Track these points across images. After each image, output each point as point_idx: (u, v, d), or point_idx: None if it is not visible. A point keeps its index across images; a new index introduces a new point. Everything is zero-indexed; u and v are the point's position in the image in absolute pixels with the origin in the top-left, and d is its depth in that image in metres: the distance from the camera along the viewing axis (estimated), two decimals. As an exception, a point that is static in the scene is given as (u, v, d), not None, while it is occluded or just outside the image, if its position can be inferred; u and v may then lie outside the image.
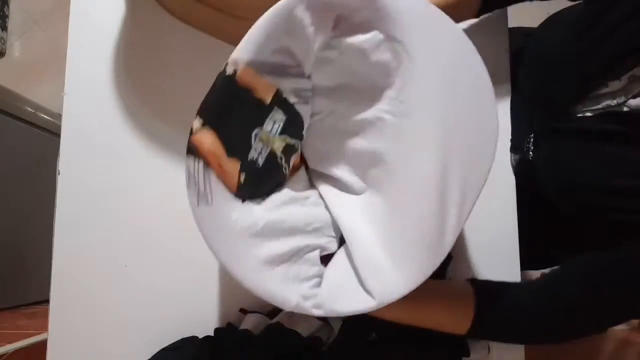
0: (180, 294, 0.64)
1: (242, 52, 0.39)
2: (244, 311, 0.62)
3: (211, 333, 0.61)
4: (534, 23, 0.67)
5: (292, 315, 0.57)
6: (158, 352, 0.59)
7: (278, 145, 0.44)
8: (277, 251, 0.41)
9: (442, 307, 0.47)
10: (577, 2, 0.54)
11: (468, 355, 0.58)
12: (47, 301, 0.65)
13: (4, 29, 1.69)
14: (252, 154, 0.42)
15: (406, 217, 0.40)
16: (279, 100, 0.42)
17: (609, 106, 0.47)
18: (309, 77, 0.44)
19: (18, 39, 1.73)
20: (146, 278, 0.64)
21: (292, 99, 0.43)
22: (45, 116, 1.31)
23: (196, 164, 0.39)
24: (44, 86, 1.64)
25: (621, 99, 0.46)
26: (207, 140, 0.40)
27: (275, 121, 0.43)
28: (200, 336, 0.61)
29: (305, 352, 0.55)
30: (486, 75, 0.37)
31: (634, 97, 0.45)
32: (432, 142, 0.38)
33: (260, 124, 0.42)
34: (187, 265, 0.65)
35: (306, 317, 0.57)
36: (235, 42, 0.65)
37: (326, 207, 0.49)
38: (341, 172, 0.49)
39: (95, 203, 0.65)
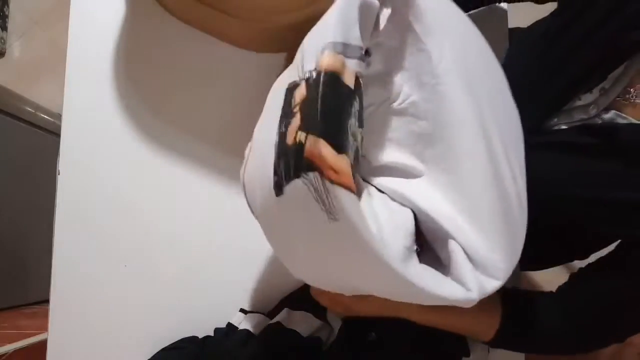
0: (180, 294, 0.64)
1: (335, 35, 0.35)
2: (244, 311, 0.62)
3: (211, 333, 0.61)
4: (534, 23, 0.67)
5: (291, 315, 0.57)
6: (158, 352, 0.59)
7: (359, 139, 0.39)
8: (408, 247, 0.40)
9: (468, 312, 0.46)
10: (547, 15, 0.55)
11: (468, 355, 0.58)
12: (47, 301, 0.65)
13: (4, 29, 1.69)
14: (351, 148, 0.36)
15: (472, 192, 0.39)
16: (357, 87, 0.37)
17: (583, 119, 0.47)
18: (368, 62, 0.43)
19: (18, 39, 1.73)
20: (146, 278, 0.64)
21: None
22: (45, 116, 1.31)
23: (316, 179, 0.33)
24: (44, 86, 1.64)
25: (593, 112, 0.46)
26: (322, 149, 0.33)
27: (356, 111, 0.37)
28: (200, 336, 0.61)
29: (305, 352, 0.55)
30: (488, 45, 0.41)
31: (606, 109, 0.45)
32: (466, 112, 0.39)
33: (349, 113, 0.36)
34: (187, 265, 0.65)
35: (306, 317, 0.57)
36: (235, 42, 0.66)
37: (392, 198, 0.46)
38: (401, 157, 0.46)
39: (95, 203, 0.65)
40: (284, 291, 0.63)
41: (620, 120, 0.44)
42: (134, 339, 0.64)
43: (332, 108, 0.34)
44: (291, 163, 0.34)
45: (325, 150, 0.32)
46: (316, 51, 0.36)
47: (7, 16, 1.70)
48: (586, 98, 0.47)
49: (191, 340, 0.60)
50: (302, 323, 0.56)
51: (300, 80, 0.36)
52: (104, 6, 0.68)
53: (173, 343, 0.60)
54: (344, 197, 0.32)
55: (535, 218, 0.38)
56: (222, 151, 0.66)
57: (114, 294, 0.64)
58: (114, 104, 0.67)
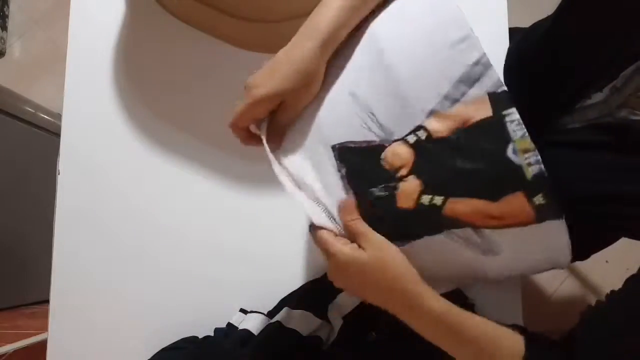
0: (180, 294, 0.64)
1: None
2: (244, 311, 0.62)
3: (211, 333, 0.61)
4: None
5: (292, 314, 0.57)
6: (158, 352, 0.59)
7: None
8: None
9: (486, 349, 0.42)
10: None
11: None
12: (47, 301, 0.65)
13: (4, 29, 1.69)
14: None
15: None
16: None
17: (595, 117, 0.47)
18: None
19: (18, 39, 1.73)
20: (146, 278, 0.64)
21: None
22: (45, 116, 1.31)
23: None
24: (44, 86, 1.64)
25: (606, 110, 0.46)
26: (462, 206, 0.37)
27: None
28: (200, 336, 0.61)
29: (305, 352, 0.55)
30: None
31: (618, 108, 0.45)
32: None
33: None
34: (188, 265, 0.65)
35: (306, 317, 0.57)
36: (234, 41, 0.66)
37: None
38: None
39: (95, 203, 0.65)
40: (284, 291, 0.63)
41: (633, 117, 0.45)
42: (134, 339, 0.64)
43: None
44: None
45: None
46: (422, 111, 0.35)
47: (7, 16, 1.70)
48: (597, 97, 0.47)
49: (191, 340, 0.60)
50: (302, 322, 0.56)
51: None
52: (104, 6, 0.68)
53: (173, 343, 0.60)
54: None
55: None
56: (222, 151, 0.66)
57: (113, 294, 0.64)
58: (114, 104, 0.67)
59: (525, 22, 0.70)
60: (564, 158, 0.34)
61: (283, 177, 0.43)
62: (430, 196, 0.38)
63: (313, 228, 0.44)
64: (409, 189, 0.39)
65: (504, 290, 0.60)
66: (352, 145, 0.41)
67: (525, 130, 0.33)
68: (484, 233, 0.37)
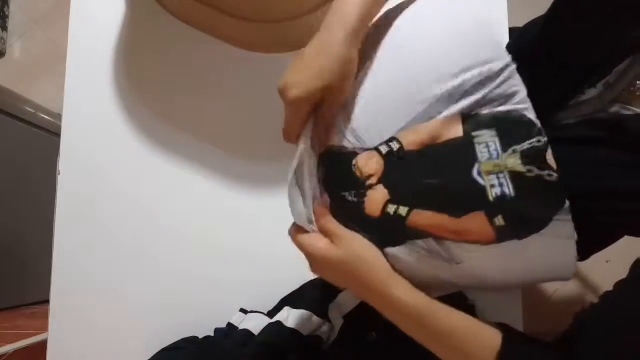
0: (180, 294, 0.64)
1: None
2: (244, 311, 0.62)
3: (211, 333, 0.61)
4: (534, 23, 0.67)
5: (292, 313, 0.57)
6: (158, 352, 0.59)
7: None
8: None
9: (462, 343, 0.42)
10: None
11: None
12: (47, 301, 0.65)
13: (4, 29, 1.69)
14: None
15: None
16: None
17: (589, 113, 0.48)
18: None
19: (18, 39, 1.73)
20: (146, 278, 0.64)
21: None
22: (45, 116, 1.31)
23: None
24: (44, 86, 1.64)
25: (599, 105, 0.47)
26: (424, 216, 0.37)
27: None
28: (200, 336, 0.61)
29: (305, 351, 0.55)
30: None
31: (611, 103, 0.46)
32: None
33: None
34: (187, 265, 0.65)
35: (307, 316, 0.57)
36: (234, 41, 0.66)
37: None
38: None
39: (95, 203, 0.65)
40: (284, 291, 0.63)
41: (626, 112, 0.45)
42: (134, 339, 0.64)
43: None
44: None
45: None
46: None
47: (7, 16, 1.70)
48: (590, 92, 0.47)
49: (191, 340, 0.60)
50: (303, 322, 0.56)
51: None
52: (104, 6, 0.68)
53: (173, 343, 0.60)
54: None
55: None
56: (222, 151, 0.66)
57: (113, 294, 0.64)
58: (114, 104, 0.67)
59: (525, 22, 0.70)
60: (558, 154, 0.34)
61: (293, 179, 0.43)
62: (395, 206, 0.39)
63: (292, 229, 0.45)
64: (376, 198, 0.40)
65: (504, 290, 0.60)
66: (332, 150, 0.42)
67: (491, 153, 0.34)
68: (445, 244, 0.38)
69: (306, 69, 0.40)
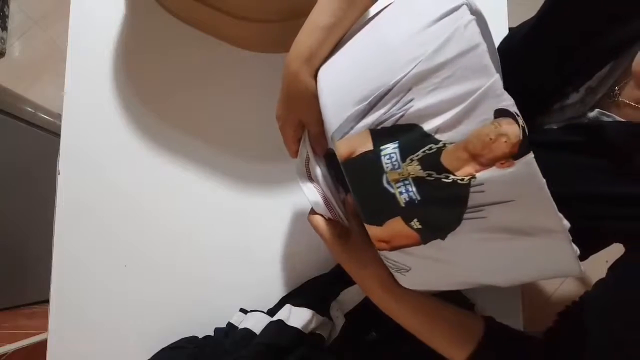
0: (180, 294, 0.64)
1: None
2: (244, 311, 0.62)
3: (211, 333, 0.61)
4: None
5: (293, 312, 0.57)
6: (158, 352, 0.59)
7: None
8: None
9: (447, 327, 0.46)
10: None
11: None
12: (47, 301, 0.65)
13: (4, 29, 1.69)
14: None
15: None
16: None
17: (572, 118, 0.48)
18: None
19: (18, 39, 1.73)
20: (146, 278, 0.64)
21: None
22: (45, 116, 1.31)
23: None
24: (44, 86, 1.64)
25: (580, 111, 0.47)
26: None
27: None
28: (200, 336, 0.61)
29: (307, 349, 0.55)
30: None
31: (591, 108, 0.46)
32: None
33: None
34: (187, 265, 0.65)
35: (308, 314, 0.57)
36: (234, 42, 0.66)
37: None
38: None
39: (95, 203, 0.66)
40: (284, 291, 0.63)
41: (605, 119, 0.45)
42: (134, 339, 0.64)
43: None
44: None
45: None
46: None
47: (7, 16, 1.71)
48: (574, 97, 0.47)
49: (191, 340, 0.60)
50: (304, 320, 0.56)
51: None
52: (103, 6, 0.68)
53: (173, 343, 0.60)
54: None
55: None
56: (222, 150, 0.66)
57: (113, 293, 0.64)
58: (114, 104, 0.67)
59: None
60: (539, 158, 0.34)
61: (301, 173, 0.49)
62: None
63: (311, 212, 0.50)
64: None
65: (503, 290, 0.60)
66: (329, 152, 0.48)
67: (393, 164, 0.36)
68: (389, 256, 0.40)
69: (279, 100, 0.47)
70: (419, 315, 0.46)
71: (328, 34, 0.43)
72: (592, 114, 0.46)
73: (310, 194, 0.47)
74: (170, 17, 0.65)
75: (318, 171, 0.47)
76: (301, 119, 0.47)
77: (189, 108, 0.67)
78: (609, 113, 0.45)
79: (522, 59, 0.53)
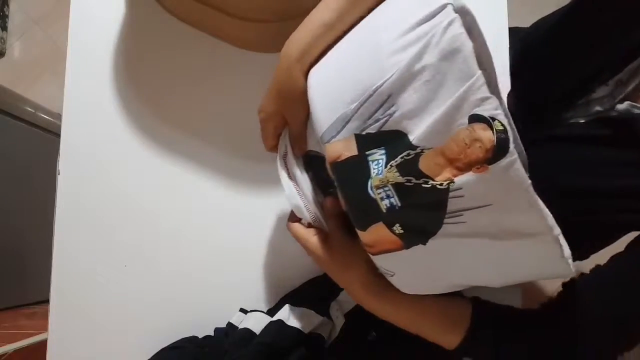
0: (180, 294, 0.64)
1: None
2: (244, 311, 0.62)
3: (211, 333, 0.61)
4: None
5: (293, 312, 0.57)
6: (158, 352, 0.59)
7: None
8: None
9: (434, 316, 0.46)
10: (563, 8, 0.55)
11: (468, 355, 0.58)
12: (47, 301, 0.65)
13: (4, 29, 1.69)
14: None
15: None
16: None
17: (599, 111, 0.48)
18: None
19: (18, 39, 1.73)
20: (146, 278, 0.64)
21: None
22: (45, 116, 1.31)
23: None
24: (44, 86, 1.64)
25: (609, 104, 0.47)
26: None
27: None
28: (200, 336, 0.61)
29: (306, 349, 0.55)
30: None
31: (621, 101, 0.46)
32: None
33: None
34: (187, 264, 0.65)
35: (308, 314, 0.57)
36: (234, 42, 0.66)
37: None
38: None
39: (95, 203, 0.65)
40: (284, 291, 0.63)
41: (636, 111, 0.45)
42: (133, 339, 0.64)
43: None
44: None
45: None
46: None
47: (7, 16, 1.70)
48: (601, 90, 0.47)
49: (191, 340, 0.60)
50: (304, 320, 0.56)
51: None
52: (103, 6, 0.68)
53: (173, 343, 0.60)
54: None
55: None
56: (222, 151, 0.66)
57: (114, 293, 0.64)
58: (114, 104, 0.67)
59: (525, 22, 0.70)
60: (564, 151, 0.34)
61: (281, 170, 0.48)
62: None
63: (290, 219, 0.50)
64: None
65: (503, 290, 0.60)
66: (310, 153, 0.47)
67: (378, 170, 0.36)
68: (376, 260, 0.40)
69: (267, 94, 0.47)
70: (401, 311, 0.46)
71: (327, 32, 0.43)
72: (621, 107, 0.46)
73: (290, 192, 0.46)
74: (170, 17, 0.65)
75: (297, 170, 0.47)
76: (286, 116, 0.46)
77: (189, 108, 0.67)
78: (639, 106, 0.45)
79: (545, 56, 0.53)
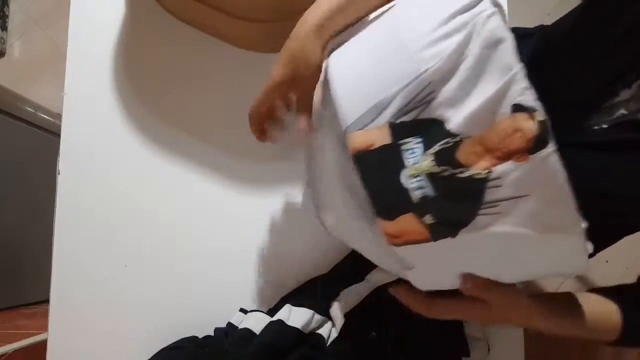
0: (180, 294, 0.64)
1: None
2: (244, 311, 0.62)
3: (211, 333, 0.61)
4: (534, 23, 0.67)
5: (293, 312, 0.57)
6: (158, 352, 0.59)
7: None
8: None
9: (590, 327, 0.46)
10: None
11: (468, 355, 0.58)
12: (47, 301, 0.65)
13: (4, 29, 1.69)
14: None
15: None
16: None
17: (623, 115, 0.47)
18: None
19: (18, 39, 1.73)
20: (146, 278, 0.64)
21: None
22: (45, 116, 1.31)
23: None
24: (44, 86, 1.64)
25: (633, 108, 0.46)
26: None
27: None
28: (200, 336, 0.61)
29: (306, 349, 0.55)
30: None
31: None
32: None
33: None
34: (187, 264, 0.65)
35: (308, 314, 0.57)
36: (234, 42, 0.66)
37: None
38: None
39: (95, 203, 0.65)
40: (284, 291, 0.63)
41: None
42: (133, 339, 0.64)
43: None
44: None
45: None
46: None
47: (7, 16, 1.70)
48: (624, 94, 0.47)
49: (191, 340, 0.60)
50: (304, 320, 0.56)
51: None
52: (103, 6, 0.68)
53: (173, 343, 0.60)
54: None
55: None
56: (222, 151, 0.66)
57: (113, 293, 0.64)
58: (114, 104, 0.67)
59: (525, 22, 0.70)
60: (589, 158, 0.34)
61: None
62: None
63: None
64: None
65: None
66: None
67: (415, 159, 0.36)
68: (395, 250, 0.40)
69: (280, 58, 0.45)
70: (564, 325, 0.45)
71: (348, 6, 0.42)
72: None
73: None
74: (170, 17, 0.65)
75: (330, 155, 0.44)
76: (296, 84, 0.45)
77: (188, 108, 0.67)
78: None
79: (565, 60, 0.53)
